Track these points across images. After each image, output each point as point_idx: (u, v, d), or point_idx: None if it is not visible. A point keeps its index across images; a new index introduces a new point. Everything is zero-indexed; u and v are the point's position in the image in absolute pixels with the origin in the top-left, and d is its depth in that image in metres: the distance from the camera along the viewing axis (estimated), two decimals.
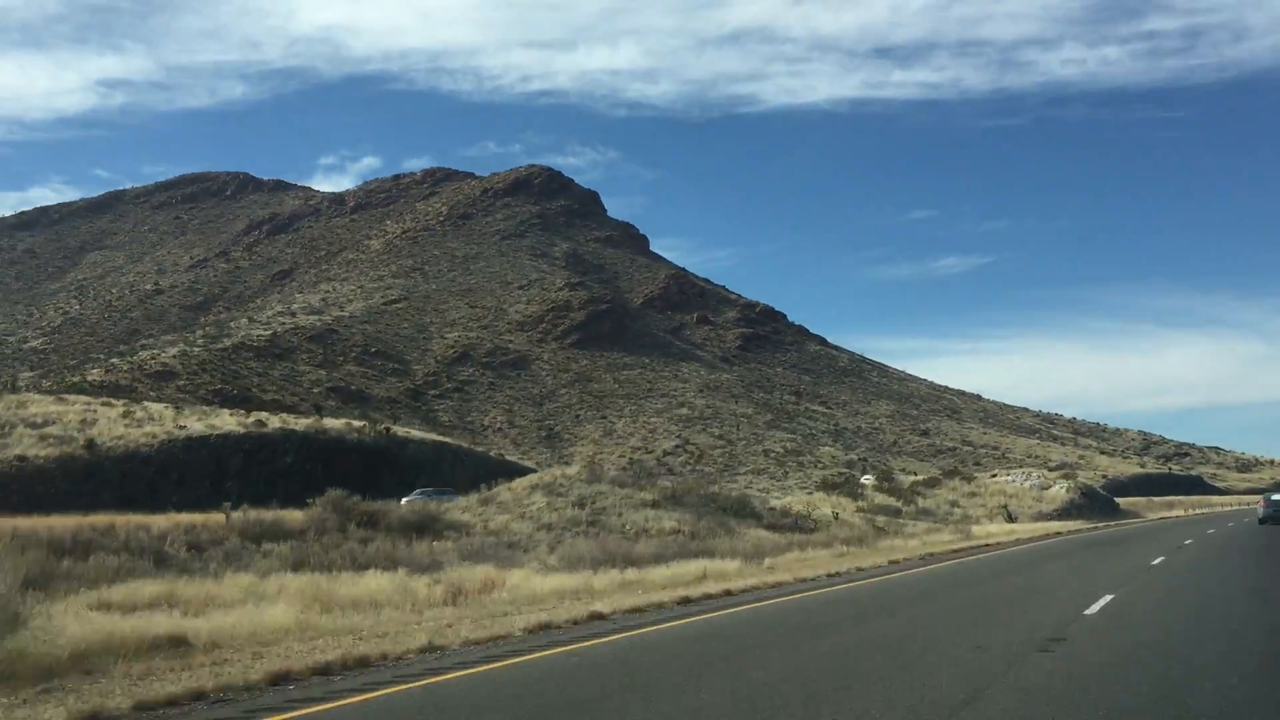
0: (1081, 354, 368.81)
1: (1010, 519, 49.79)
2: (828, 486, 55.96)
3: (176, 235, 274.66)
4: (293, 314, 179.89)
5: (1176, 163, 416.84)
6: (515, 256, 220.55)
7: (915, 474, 72.43)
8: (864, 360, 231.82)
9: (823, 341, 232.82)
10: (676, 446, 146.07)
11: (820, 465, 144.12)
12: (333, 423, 59.84)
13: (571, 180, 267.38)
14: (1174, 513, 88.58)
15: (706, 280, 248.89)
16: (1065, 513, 55.81)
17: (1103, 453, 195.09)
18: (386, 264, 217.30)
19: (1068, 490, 59.44)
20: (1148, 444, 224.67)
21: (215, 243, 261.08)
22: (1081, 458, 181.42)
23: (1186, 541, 34.31)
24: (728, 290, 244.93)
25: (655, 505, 31.04)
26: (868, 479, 64.52)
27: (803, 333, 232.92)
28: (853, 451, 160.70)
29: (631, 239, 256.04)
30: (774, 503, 42.75)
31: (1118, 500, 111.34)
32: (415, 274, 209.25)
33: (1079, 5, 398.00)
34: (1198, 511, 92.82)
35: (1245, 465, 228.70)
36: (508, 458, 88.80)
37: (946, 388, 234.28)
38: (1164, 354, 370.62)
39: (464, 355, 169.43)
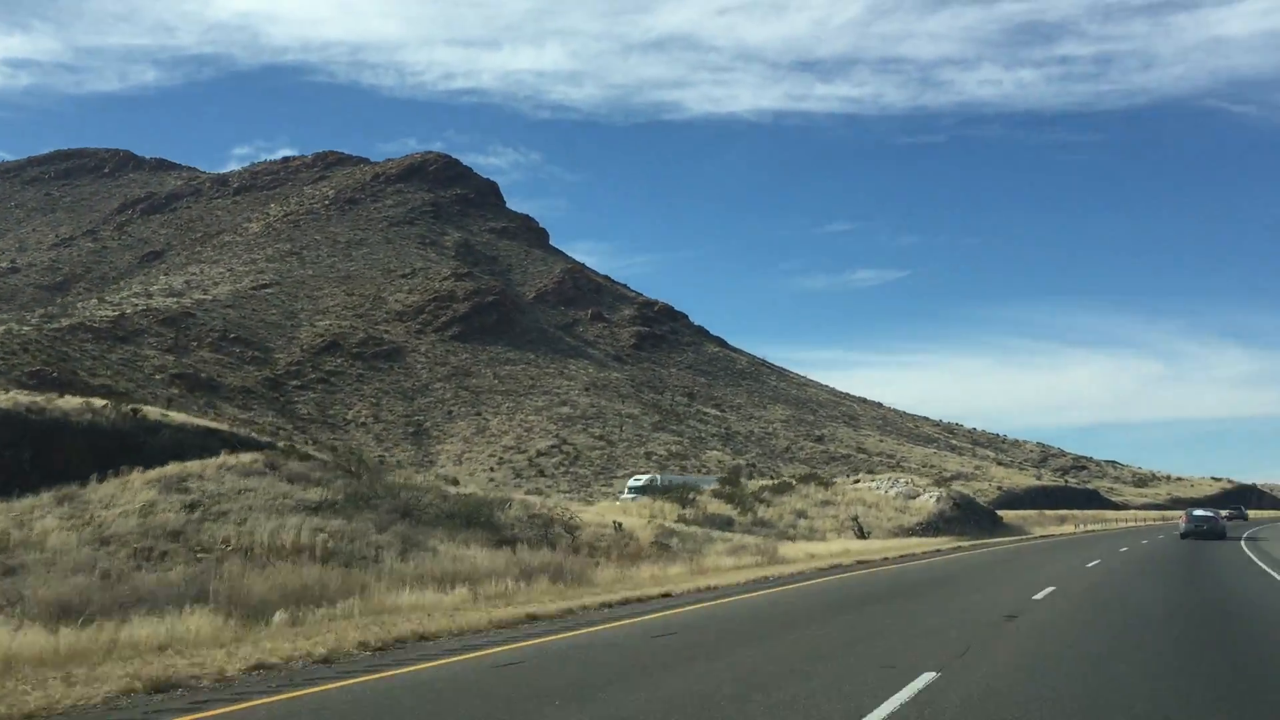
0: (990, 369, 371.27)
1: (861, 534, 41.22)
2: (654, 490, 47.49)
3: (45, 212, 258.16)
4: (149, 295, 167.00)
5: (1086, 185, 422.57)
6: (402, 244, 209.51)
7: (774, 478, 63.74)
8: (764, 364, 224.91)
9: (722, 343, 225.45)
10: (552, 446, 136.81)
11: (704, 469, 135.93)
12: (71, 401, 49.74)
13: (469, 169, 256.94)
14: (1063, 529, 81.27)
15: (606, 277, 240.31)
16: (931, 527, 47.43)
17: (1000, 464, 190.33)
18: (263, 247, 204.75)
19: (937, 501, 50.88)
20: (1046, 456, 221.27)
21: (85, 221, 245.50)
22: (978, 468, 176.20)
23: (1039, 595, 21.45)
24: (627, 288, 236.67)
25: (320, 509, 22.09)
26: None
27: (702, 333, 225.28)
28: (742, 456, 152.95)
29: (530, 232, 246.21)
30: (548, 509, 33.74)
31: (1003, 514, 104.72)
32: (292, 258, 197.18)
33: (997, 28, 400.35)
34: (1089, 529, 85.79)
35: (1142, 480, 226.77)
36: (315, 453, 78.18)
37: (847, 394, 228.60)
38: (1068, 371, 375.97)
39: (333, 345, 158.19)
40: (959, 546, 39.42)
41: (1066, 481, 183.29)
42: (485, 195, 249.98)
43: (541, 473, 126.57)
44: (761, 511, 44.38)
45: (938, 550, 37.09)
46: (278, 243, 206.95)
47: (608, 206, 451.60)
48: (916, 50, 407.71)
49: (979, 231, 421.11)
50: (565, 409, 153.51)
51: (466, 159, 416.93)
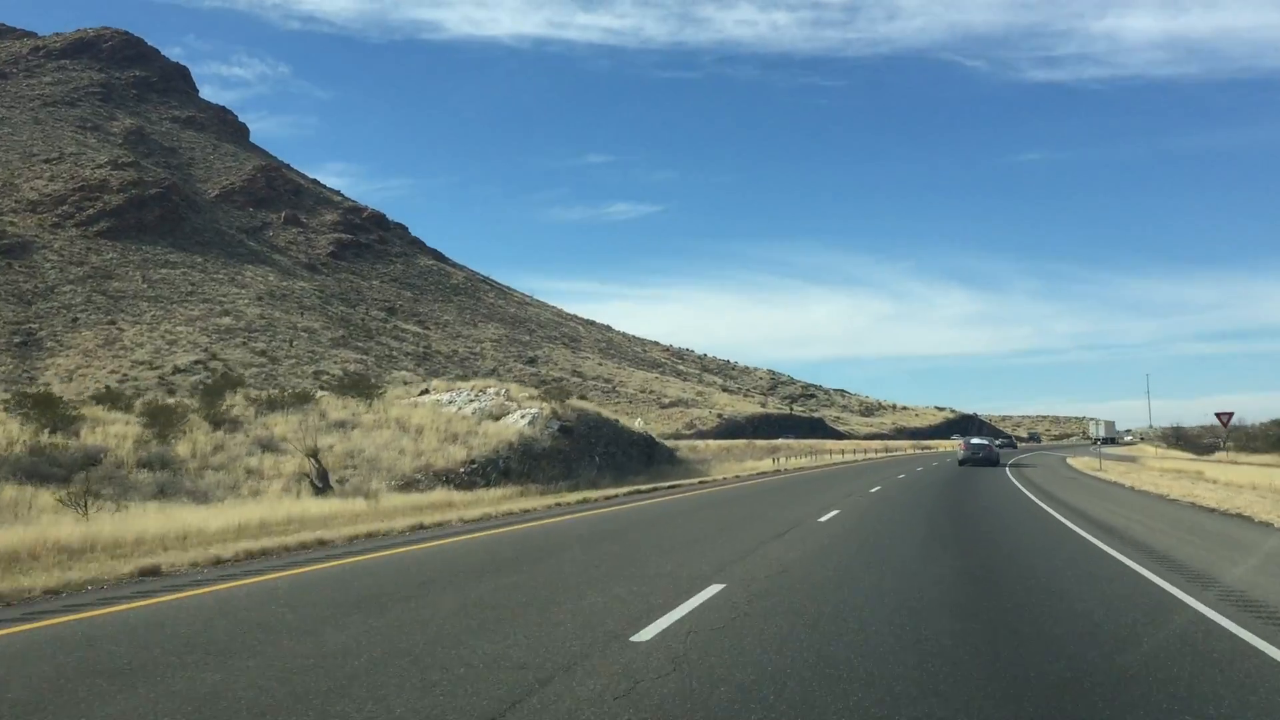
0: (739, 305, 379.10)
1: (320, 486, 23.31)
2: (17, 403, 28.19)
3: None
4: None
5: (833, 129, 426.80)
6: (55, 126, 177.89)
7: (286, 389, 45.25)
8: (483, 280, 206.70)
9: (439, 256, 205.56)
10: (196, 362, 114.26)
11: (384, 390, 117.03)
12: None
13: (156, 50, 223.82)
14: (761, 465, 66.48)
15: (314, 181, 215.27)
16: (492, 468, 28.50)
17: (725, 390, 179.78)
18: None
19: (530, 424, 33.18)
20: (775, 384, 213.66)
21: None
22: (700, 394, 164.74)
23: None
24: (338, 193, 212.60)
25: None
26: None
27: (417, 245, 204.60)
28: (439, 377, 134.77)
29: (225, 125, 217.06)
30: None
31: (702, 444, 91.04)
32: None
33: None
34: (796, 464, 71.85)
35: (869, 410, 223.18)
36: None
37: (573, 315, 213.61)
38: (810, 308, 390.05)
39: None
40: (488, 516, 21.42)
41: (793, 409, 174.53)
42: (172, 80, 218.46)
43: (171, 392, 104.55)
44: (197, 441, 26.02)
45: (416, 528, 19.56)
46: None
47: (360, 127, 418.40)
48: None
49: (733, 169, 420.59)
50: (227, 320, 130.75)
51: (207, 68, 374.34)
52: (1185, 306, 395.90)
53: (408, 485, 26.45)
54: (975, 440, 65.97)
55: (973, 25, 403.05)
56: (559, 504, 26.15)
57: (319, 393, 37.79)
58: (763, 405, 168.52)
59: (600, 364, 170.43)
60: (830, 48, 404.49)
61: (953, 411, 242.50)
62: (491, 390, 38.23)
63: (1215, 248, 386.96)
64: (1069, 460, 70.47)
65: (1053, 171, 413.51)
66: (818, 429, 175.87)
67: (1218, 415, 41.97)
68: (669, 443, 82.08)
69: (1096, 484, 37.99)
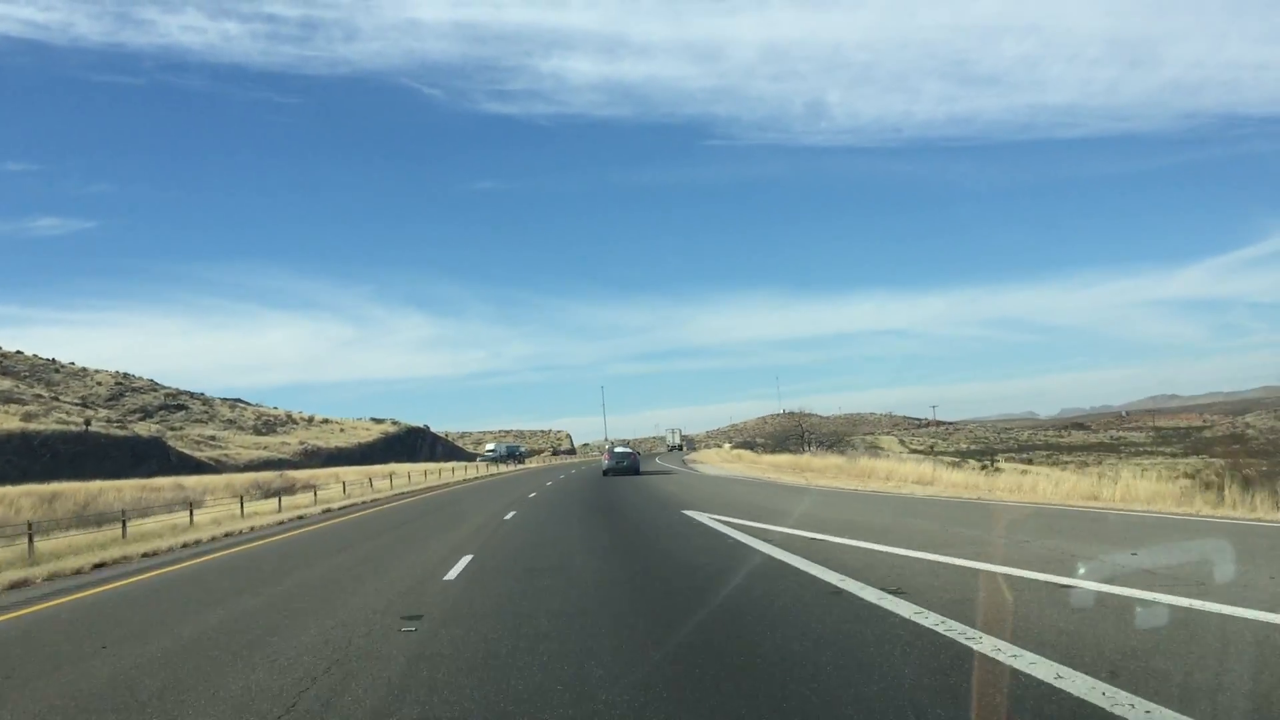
0: (186, 329, 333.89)
1: None
2: None
3: None
4: None
5: (288, 147, 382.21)
6: None
7: None
8: None
9: None
10: None
11: None
12: None
13: None
14: None
15: None
16: None
17: None
18: None
19: None
20: (122, 392, 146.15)
21: None
22: None
23: None
24: None
25: None
26: None
27: None
28: None
29: None
30: None
31: None
32: None
33: None
34: None
35: (269, 425, 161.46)
36: None
37: None
38: (267, 333, 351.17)
39: None
40: None
41: (89, 427, 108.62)
42: None
43: None
44: None
45: None
46: None
47: None
48: None
49: (181, 185, 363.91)
50: None
51: None
52: (622, 329, 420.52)
53: None
54: (619, 450, 67.30)
55: (429, 54, 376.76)
56: None
57: None
58: (26, 420, 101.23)
59: None
60: (287, 64, 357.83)
61: (394, 424, 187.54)
62: None
63: (647, 276, 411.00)
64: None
65: (505, 200, 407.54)
66: (150, 457, 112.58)
67: None
68: None
69: None
